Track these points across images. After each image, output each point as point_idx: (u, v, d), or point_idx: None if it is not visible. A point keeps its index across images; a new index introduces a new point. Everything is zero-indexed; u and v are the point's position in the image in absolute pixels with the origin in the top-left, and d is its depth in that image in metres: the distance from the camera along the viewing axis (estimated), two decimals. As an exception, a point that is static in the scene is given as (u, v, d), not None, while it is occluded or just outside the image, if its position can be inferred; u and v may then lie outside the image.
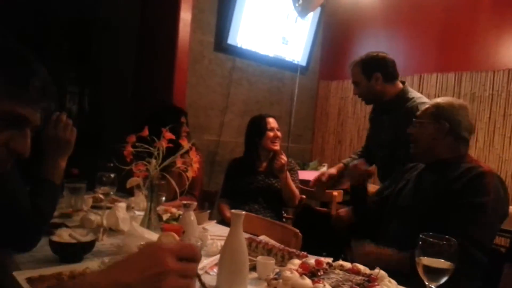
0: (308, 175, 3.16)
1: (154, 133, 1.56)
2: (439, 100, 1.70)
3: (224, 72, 3.65)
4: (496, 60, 3.22)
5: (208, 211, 1.89)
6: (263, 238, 1.53)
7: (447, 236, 1.02)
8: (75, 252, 1.25)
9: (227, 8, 3.50)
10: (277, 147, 2.60)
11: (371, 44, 4.07)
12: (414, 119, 1.72)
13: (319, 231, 2.05)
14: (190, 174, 1.55)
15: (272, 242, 1.46)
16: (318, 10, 4.12)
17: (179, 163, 1.53)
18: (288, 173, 2.48)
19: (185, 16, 3.28)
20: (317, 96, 4.51)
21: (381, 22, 3.99)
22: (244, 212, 1.18)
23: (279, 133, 2.63)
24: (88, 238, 1.30)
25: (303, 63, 4.19)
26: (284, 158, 2.43)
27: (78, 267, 1.16)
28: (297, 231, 1.64)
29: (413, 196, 1.68)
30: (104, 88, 4.48)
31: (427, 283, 1.02)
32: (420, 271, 1.02)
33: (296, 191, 2.51)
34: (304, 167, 3.92)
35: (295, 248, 1.48)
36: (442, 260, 1.00)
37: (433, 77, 3.54)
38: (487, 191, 1.47)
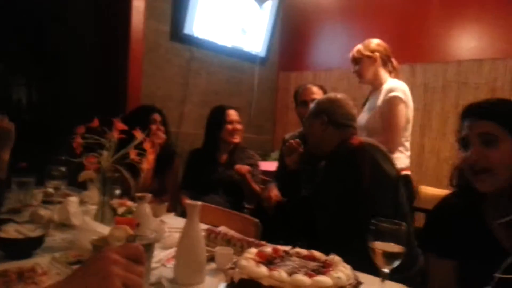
0: (269, 166, 3.17)
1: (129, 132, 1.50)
2: (318, 97, 1.93)
3: (182, 62, 3.57)
4: (447, 52, 3.35)
5: (166, 204, 1.84)
6: (222, 229, 1.51)
7: (396, 221, 1.04)
8: (22, 248, 1.19)
9: (183, -2, 3.42)
10: (236, 140, 2.56)
11: (328, 35, 4.13)
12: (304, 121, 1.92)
13: (277, 220, 2.07)
14: (144, 166, 1.51)
15: (231, 232, 1.45)
16: (276, 1, 4.12)
17: (132, 154, 1.48)
18: (248, 176, 2.43)
19: (138, 3, 3.18)
20: (277, 87, 4.53)
21: (338, 13, 4.05)
22: (199, 203, 1.15)
23: (239, 126, 2.58)
24: (37, 233, 1.24)
25: (262, 54, 4.19)
26: (242, 168, 2.41)
27: (26, 263, 1.10)
28: (257, 220, 1.64)
29: (317, 190, 1.78)
30: (57, 79, 4.26)
31: (381, 268, 1.04)
32: (374, 256, 1.04)
33: (257, 189, 2.47)
34: (265, 158, 3.93)
35: (255, 238, 1.48)
36: (394, 244, 1.03)
37: (388, 68, 3.63)
38: (359, 166, 1.56)
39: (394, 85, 2.40)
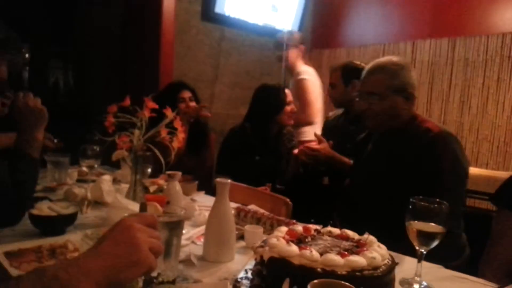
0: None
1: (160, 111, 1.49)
2: (381, 63, 1.60)
3: (213, 43, 3.55)
4: (490, 25, 3.14)
5: (197, 182, 1.85)
6: (252, 207, 1.50)
7: (437, 199, 0.99)
8: (55, 225, 1.22)
9: (214, -24, 3.37)
10: (292, 121, 2.45)
11: (362, 10, 3.97)
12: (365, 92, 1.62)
13: (309, 199, 2.03)
14: (175, 144, 1.50)
15: (261, 211, 1.43)
16: (309, -24, 3.99)
17: (163, 133, 1.48)
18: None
19: (169, -17, 3.15)
20: (309, 65, 4.42)
21: (373, -12, 3.87)
22: (229, 181, 1.14)
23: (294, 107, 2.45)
24: (70, 210, 1.26)
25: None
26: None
27: (59, 239, 1.12)
28: (287, 199, 1.62)
29: (380, 165, 1.62)
30: (91, 63, 4.36)
31: (417, 248, 0.99)
32: (411, 236, 1.00)
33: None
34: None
35: (285, 217, 1.46)
36: (433, 224, 0.98)
37: (426, 43, 3.46)
38: (440, 158, 1.44)
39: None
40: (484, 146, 3.12)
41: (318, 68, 4.31)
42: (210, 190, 1.92)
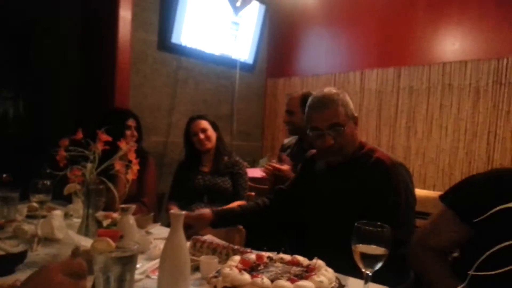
0: (258, 172, 3.17)
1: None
2: (329, 94, 1.58)
3: (169, 72, 3.58)
4: (432, 55, 3.39)
5: (152, 214, 1.83)
6: (208, 237, 1.51)
7: (379, 223, 1.05)
8: (3, 264, 1.17)
9: (170, 6, 3.45)
10: (207, 146, 2.57)
11: (315, 41, 4.17)
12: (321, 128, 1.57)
13: (263, 226, 2.07)
14: (130, 176, 1.50)
15: (217, 240, 1.44)
16: (263, 8, 4.16)
17: (118, 166, 1.48)
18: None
19: (125, 14, 3.19)
20: (265, 93, 4.55)
21: (324, 20, 4.09)
22: (183, 212, 1.15)
23: (203, 135, 2.56)
24: (19, 248, 1.22)
25: (250, 61, 4.22)
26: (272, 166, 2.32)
27: (7, 279, 1.08)
28: (241, 227, 1.64)
29: (333, 198, 1.60)
30: (43, 92, 4.24)
31: (363, 270, 1.05)
32: (356, 258, 1.05)
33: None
34: (254, 164, 3.94)
35: (240, 244, 1.48)
36: (376, 246, 1.04)
37: (374, 72, 3.67)
38: (395, 192, 1.47)
39: None
40: (430, 169, 3.31)
41: (273, 96, 4.47)
42: (159, 217, 1.93)
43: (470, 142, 3.13)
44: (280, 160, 2.51)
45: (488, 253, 0.58)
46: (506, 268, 0.58)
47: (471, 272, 0.62)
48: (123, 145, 1.53)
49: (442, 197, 1.36)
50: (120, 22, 3.16)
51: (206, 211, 1.64)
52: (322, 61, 4.10)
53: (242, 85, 4.13)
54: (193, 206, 2.44)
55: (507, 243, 0.59)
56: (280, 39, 4.45)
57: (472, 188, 1.25)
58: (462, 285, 0.65)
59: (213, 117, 2.71)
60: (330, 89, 1.61)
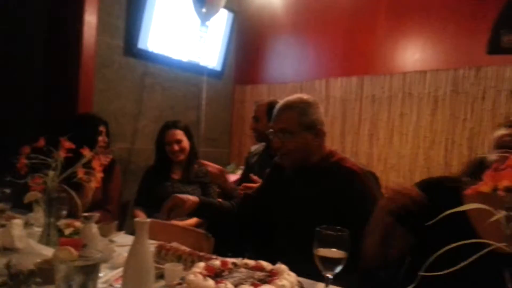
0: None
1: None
2: (291, 100, 1.64)
3: (136, 78, 3.54)
4: (393, 65, 3.53)
5: (116, 222, 1.81)
6: (174, 244, 1.51)
7: (338, 227, 1.10)
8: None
9: (137, 12, 3.41)
10: (180, 158, 2.58)
11: (282, 49, 4.25)
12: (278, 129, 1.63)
13: (229, 232, 2.08)
14: (93, 184, 1.49)
15: (182, 247, 1.45)
16: (231, 16, 4.20)
17: (80, 174, 1.46)
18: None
19: (90, 19, 3.13)
20: (233, 100, 4.58)
21: (291, 29, 4.17)
22: (148, 220, 1.15)
23: (177, 147, 2.57)
24: (-25, 260, 1.18)
25: (218, 68, 4.23)
26: (208, 165, 2.25)
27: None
28: (207, 233, 1.65)
29: (299, 204, 1.62)
30: (5, 96, 4.08)
31: (323, 273, 1.09)
32: (317, 261, 1.09)
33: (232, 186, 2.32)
34: (222, 171, 3.94)
35: (208, 251, 1.49)
36: (335, 250, 1.08)
37: (338, 81, 3.78)
38: (370, 197, 1.51)
39: None
40: (392, 175, 3.44)
41: (241, 103, 4.50)
42: (124, 225, 1.91)
43: (429, 148, 3.28)
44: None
45: (435, 255, 0.63)
46: (452, 269, 0.64)
47: (420, 273, 0.66)
48: (86, 152, 1.51)
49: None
50: (85, 27, 3.10)
51: (193, 197, 1.70)
52: (289, 69, 4.18)
53: (210, 92, 4.13)
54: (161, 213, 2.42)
55: (453, 245, 0.65)
56: (248, 47, 4.50)
57: None
58: (411, 286, 0.70)
59: (180, 124, 2.71)
60: (298, 96, 1.66)
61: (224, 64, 4.26)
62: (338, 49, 3.86)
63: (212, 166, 2.11)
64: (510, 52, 2.98)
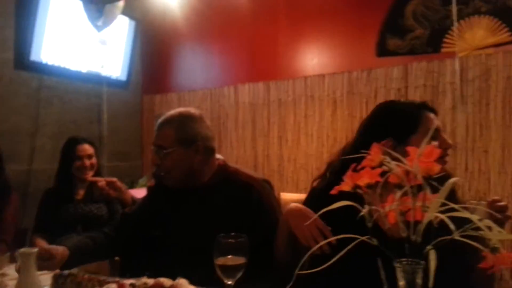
0: (138, 192, 3.06)
1: None
2: (169, 115, 1.53)
3: (30, 92, 3.28)
4: (295, 70, 3.70)
5: (8, 254, 1.65)
6: (74, 271, 1.42)
7: (235, 234, 1.12)
8: None
9: (27, 22, 3.17)
10: (88, 176, 2.42)
11: (189, 57, 4.23)
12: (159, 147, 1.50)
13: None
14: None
15: (80, 274, 1.37)
16: (133, 24, 4.07)
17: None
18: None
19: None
20: (142, 110, 4.45)
21: (196, 36, 4.17)
22: (35, 250, 1.08)
23: (88, 162, 2.45)
24: None
25: (123, 78, 4.08)
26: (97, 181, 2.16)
27: None
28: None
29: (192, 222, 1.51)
30: None
31: (225, 281, 1.10)
32: (218, 270, 1.10)
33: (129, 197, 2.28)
34: (133, 185, 3.80)
35: (109, 274, 1.43)
36: (236, 257, 1.11)
37: (246, 87, 3.87)
38: (266, 207, 1.49)
39: None
40: (301, 174, 3.60)
41: (150, 113, 4.39)
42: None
43: (332, 146, 3.49)
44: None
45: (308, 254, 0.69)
46: (320, 268, 0.69)
47: (296, 272, 0.71)
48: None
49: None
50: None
51: (62, 248, 1.47)
52: (198, 77, 4.17)
53: (116, 103, 3.97)
54: (65, 237, 2.26)
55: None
56: (155, 55, 4.41)
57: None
58: (288, 285, 0.74)
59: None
60: (178, 111, 1.56)
61: (130, 74, 4.12)
62: (244, 56, 3.95)
63: (100, 180, 1.85)
64: (396, 54, 3.30)
